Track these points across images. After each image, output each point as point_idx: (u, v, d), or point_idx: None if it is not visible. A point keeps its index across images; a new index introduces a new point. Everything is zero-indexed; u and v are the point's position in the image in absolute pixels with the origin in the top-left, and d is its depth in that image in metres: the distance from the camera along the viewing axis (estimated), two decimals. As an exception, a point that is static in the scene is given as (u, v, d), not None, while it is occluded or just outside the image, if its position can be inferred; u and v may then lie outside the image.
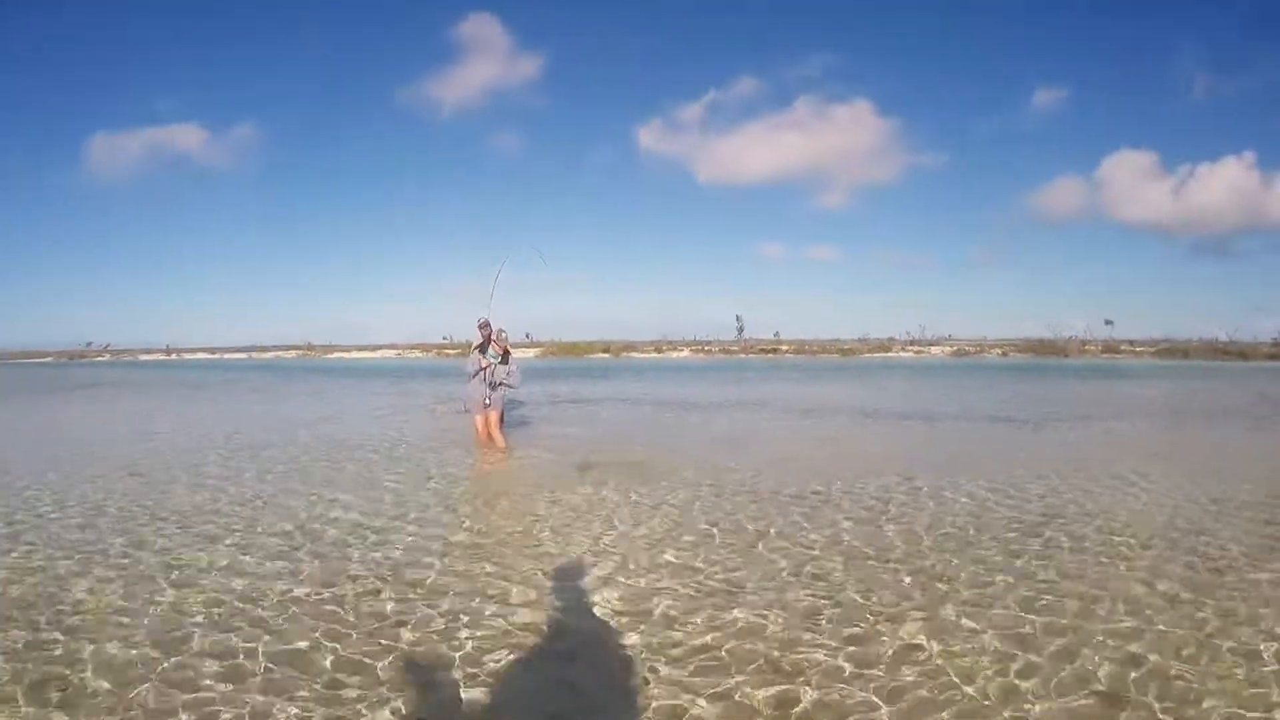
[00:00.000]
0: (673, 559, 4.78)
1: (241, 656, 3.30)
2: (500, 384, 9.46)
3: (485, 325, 9.44)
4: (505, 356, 9.50)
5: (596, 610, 3.89)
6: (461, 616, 3.78)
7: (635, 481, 7.21)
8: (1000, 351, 43.75)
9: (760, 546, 5.04)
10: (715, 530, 5.47)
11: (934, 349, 44.97)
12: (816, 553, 4.89)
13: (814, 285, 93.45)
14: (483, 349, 9.45)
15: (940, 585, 4.21)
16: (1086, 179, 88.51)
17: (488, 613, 3.84)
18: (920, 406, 15.25)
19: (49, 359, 65.61)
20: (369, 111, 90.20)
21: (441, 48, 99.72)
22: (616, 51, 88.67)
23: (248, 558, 4.79)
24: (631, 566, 4.62)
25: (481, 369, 9.42)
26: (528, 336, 54.22)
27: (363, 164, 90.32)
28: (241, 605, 3.92)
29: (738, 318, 54.38)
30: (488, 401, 9.39)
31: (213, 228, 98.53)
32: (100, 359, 64.80)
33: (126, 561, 4.73)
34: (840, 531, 5.41)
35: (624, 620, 3.74)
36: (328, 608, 3.90)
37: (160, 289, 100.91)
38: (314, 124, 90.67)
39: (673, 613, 3.82)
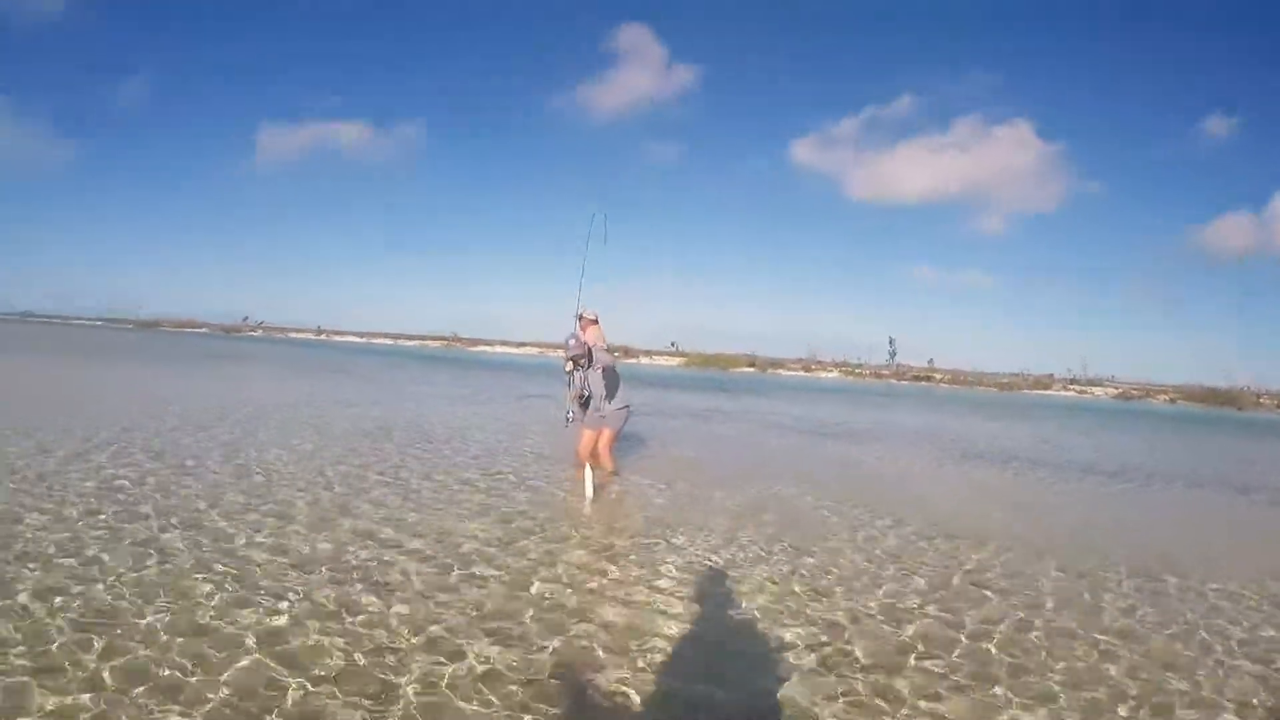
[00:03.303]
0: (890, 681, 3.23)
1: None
2: (592, 395, 7.32)
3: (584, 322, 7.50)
4: (590, 358, 7.28)
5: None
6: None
7: (781, 532, 5.68)
8: (1168, 397, 42.00)
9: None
10: (909, 633, 3.78)
11: (1096, 390, 43.51)
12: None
13: (967, 312, 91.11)
14: (577, 360, 7.29)
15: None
16: (1258, 214, 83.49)
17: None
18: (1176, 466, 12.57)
19: (204, 330, 70.75)
20: (524, 115, 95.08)
21: (596, 57, 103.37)
22: (772, 65, 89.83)
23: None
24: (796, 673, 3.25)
25: (567, 373, 7.44)
26: (673, 345, 55.27)
27: (515, 166, 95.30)
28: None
29: (890, 340, 53.00)
30: (601, 414, 7.37)
31: (368, 218, 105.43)
32: (254, 334, 69.40)
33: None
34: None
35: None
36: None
37: (315, 272, 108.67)
38: (471, 125, 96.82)
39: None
